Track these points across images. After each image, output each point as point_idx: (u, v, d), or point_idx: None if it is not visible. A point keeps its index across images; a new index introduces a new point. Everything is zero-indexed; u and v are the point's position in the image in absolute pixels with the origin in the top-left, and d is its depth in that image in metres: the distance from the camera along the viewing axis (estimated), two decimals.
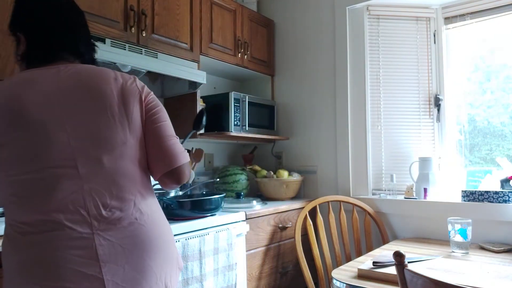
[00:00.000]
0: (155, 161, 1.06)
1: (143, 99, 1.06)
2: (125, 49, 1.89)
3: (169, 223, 1.76)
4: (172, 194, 2.13)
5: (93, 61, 1.14)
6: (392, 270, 1.37)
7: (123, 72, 1.84)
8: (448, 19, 2.48)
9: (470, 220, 1.78)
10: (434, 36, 2.52)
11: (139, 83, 1.10)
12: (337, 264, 2.20)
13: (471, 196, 2.07)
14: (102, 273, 0.89)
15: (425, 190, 2.24)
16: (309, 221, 2.23)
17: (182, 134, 2.40)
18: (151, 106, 1.07)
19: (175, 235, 1.70)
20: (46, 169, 0.90)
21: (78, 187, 0.91)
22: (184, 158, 1.09)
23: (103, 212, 0.93)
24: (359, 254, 2.26)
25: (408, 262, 1.10)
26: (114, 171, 0.96)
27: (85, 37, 1.14)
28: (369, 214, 2.34)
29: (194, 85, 2.32)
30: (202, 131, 2.23)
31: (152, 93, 1.12)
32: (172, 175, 1.07)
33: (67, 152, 0.91)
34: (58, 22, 1.07)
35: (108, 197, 0.94)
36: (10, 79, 0.97)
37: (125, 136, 0.99)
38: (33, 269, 0.88)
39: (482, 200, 2.03)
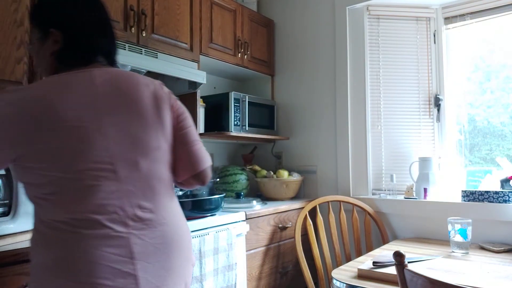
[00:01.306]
0: (183, 164, 1.12)
1: (172, 105, 1.11)
2: (125, 49, 1.89)
3: None
4: None
5: (116, 64, 1.15)
6: (392, 270, 1.37)
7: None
8: (448, 19, 2.48)
9: (470, 220, 1.78)
10: (434, 36, 2.52)
11: (166, 88, 1.14)
12: (337, 264, 2.20)
13: (471, 196, 2.07)
14: (135, 270, 0.93)
15: (425, 190, 2.24)
16: (309, 221, 2.23)
17: None
18: (179, 111, 1.13)
19: None
20: (85, 171, 0.92)
21: (117, 189, 0.95)
22: (209, 161, 1.17)
23: (138, 213, 0.97)
24: (359, 254, 2.26)
25: (408, 262, 1.10)
26: (148, 174, 1.00)
27: (114, 40, 1.14)
28: (369, 214, 2.34)
29: (194, 85, 2.32)
30: (201, 131, 2.22)
31: (177, 98, 1.17)
32: (198, 177, 1.15)
33: (106, 155, 0.94)
34: (97, 24, 1.08)
35: (143, 198, 0.98)
36: (44, 81, 0.95)
37: (159, 141, 1.04)
38: (67, 266, 0.89)
39: (482, 200, 2.03)
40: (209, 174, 1.17)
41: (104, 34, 1.09)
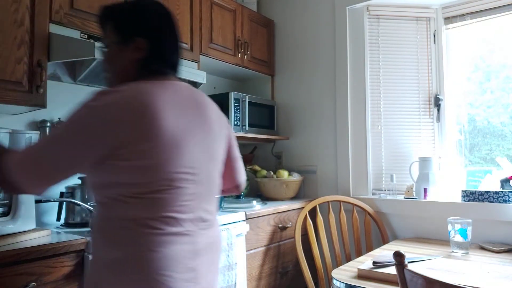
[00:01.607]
0: (229, 176, 1.29)
1: (227, 124, 1.24)
2: None
3: None
4: None
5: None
6: (392, 270, 1.37)
7: None
8: (448, 19, 2.48)
9: (470, 220, 1.78)
10: (434, 36, 2.52)
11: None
12: (337, 264, 2.20)
13: (471, 196, 2.07)
14: (197, 265, 1.02)
15: (425, 190, 2.24)
16: (309, 221, 2.23)
17: None
18: (230, 130, 1.26)
19: None
20: (176, 174, 0.99)
21: (194, 192, 1.03)
22: (245, 174, 1.38)
23: (203, 214, 1.06)
24: (359, 254, 2.26)
25: (408, 262, 1.10)
26: (214, 182, 1.13)
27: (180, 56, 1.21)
28: (369, 214, 2.34)
29: (194, 85, 2.32)
30: None
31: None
32: (238, 186, 1.36)
33: (192, 161, 1.03)
34: (175, 38, 1.14)
35: (207, 202, 1.09)
36: (135, 87, 0.98)
37: (220, 154, 1.17)
38: (147, 261, 0.95)
39: (482, 200, 2.03)
40: (245, 183, 1.39)
41: (178, 49, 1.16)
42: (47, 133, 1.91)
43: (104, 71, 1.11)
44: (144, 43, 1.05)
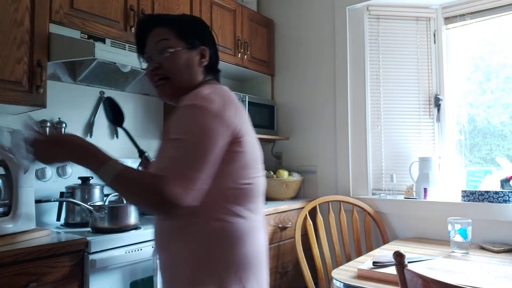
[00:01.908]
0: None
1: None
2: (125, 49, 1.89)
3: None
4: None
5: None
6: (392, 270, 1.37)
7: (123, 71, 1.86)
8: (448, 19, 2.48)
9: (470, 220, 1.78)
10: (434, 36, 2.52)
11: None
12: (337, 264, 2.20)
13: (471, 196, 2.07)
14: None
15: (425, 190, 2.24)
16: (309, 221, 2.23)
17: None
18: None
19: None
20: (260, 172, 1.08)
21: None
22: None
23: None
24: (359, 254, 2.26)
25: (408, 262, 1.09)
26: None
27: None
28: (369, 214, 2.34)
29: None
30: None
31: None
32: None
33: (260, 161, 1.12)
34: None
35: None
36: (223, 87, 1.07)
37: None
38: (260, 257, 1.06)
39: (482, 200, 2.03)
40: None
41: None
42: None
43: (166, 73, 1.07)
44: (207, 52, 1.12)
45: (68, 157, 0.93)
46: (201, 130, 0.92)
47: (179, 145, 0.90)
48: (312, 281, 2.12)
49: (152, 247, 1.45)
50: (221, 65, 2.72)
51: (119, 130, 1.87)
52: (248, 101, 2.52)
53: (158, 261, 1.11)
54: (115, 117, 1.51)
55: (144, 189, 0.88)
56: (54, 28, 1.66)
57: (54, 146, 0.94)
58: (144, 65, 1.15)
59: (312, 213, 2.33)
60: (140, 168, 1.40)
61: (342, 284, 1.45)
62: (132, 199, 1.00)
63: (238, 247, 0.98)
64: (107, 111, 1.49)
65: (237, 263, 0.98)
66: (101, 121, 2.18)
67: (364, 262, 1.64)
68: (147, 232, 1.63)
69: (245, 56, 2.63)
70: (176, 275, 0.99)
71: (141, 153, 1.14)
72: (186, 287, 0.97)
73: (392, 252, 1.09)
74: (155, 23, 1.12)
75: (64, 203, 1.79)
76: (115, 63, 1.84)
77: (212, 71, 1.15)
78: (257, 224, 1.05)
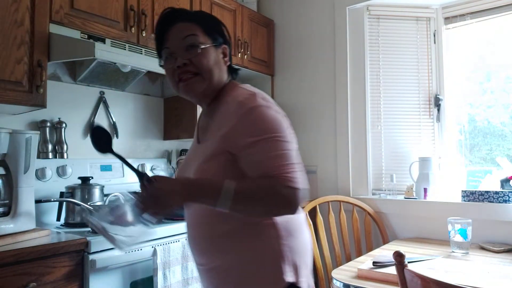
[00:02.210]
0: None
1: None
2: (125, 49, 1.89)
3: (169, 223, 1.77)
4: None
5: None
6: (392, 270, 1.37)
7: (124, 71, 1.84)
8: (448, 19, 2.48)
9: (470, 220, 1.78)
10: (434, 36, 2.52)
11: None
12: (337, 264, 2.20)
13: (471, 196, 2.07)
14: None
15: (425, 190, 2.24)
16: (309, 221, 2.22)
17: (181, 134, 2.41)
18: None
19: (175, 235, 1.70)
20: None
21: None
22: None
23: None
24: (359, 254, 2.26)
25: (408, 262, 1.10)
26: None
27: None
28: (369, 214, 2.34)
29: None
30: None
31: None
32: None
33: None
34: None
35: None
36: (257, 89, 1.06)
37: None
38: (309, 246, 1.08)
39: (482, 200, 2.03)
40: None
41: None
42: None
43: (196, 70, 1.02)
44: (228, 50, 1.10)
45: (184, 199, 0.91)
46: (280, 126, 0.96)
47: (272, 144, 0.93)
48: None
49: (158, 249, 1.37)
50: None
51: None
52: None
53: (201, 268, 1.06)
54: (103, 144, 1.26)
55: (271, 196, 0.90)
56: (54, 28, 1.66)
57: (165, 197, 0.89)
58: (168, 62, 1.08)
59: (312, 213, 2.33)
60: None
61: (342, 284, 1.45)
62: (259, 210, 0.95)
63: (298, 237, 1.02)
64: (94, 141, 1.26)
65: (301, 252, 1.02)
66: (101, 121, 2.18)
67: (364, 262, 1.64)
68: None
69: (245, 56, 2.63)
70: (250, 274, 0.98)
71: (141, 175, 1.03)
72: (268, 282, 0.97)
73: (392, 252, 1.09)
74: (179, 17, 1.06)
75: (64, 203, 1.79)
76: (115, 63, 1.84)
77: (231, 71, 1.13)
78: (303, 215, 1.09)
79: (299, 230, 1.03)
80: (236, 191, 0.88)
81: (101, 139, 1.23)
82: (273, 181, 0.90)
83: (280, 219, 0.99)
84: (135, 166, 1.05)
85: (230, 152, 0.96)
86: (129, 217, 0.90)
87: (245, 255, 0.98)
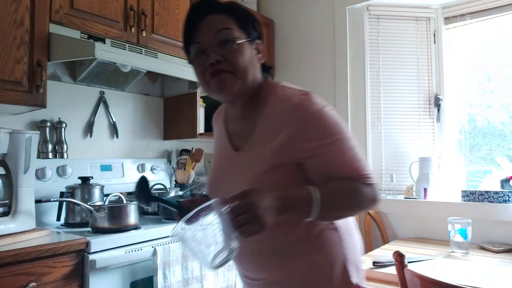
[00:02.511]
0: None
1: None
2: (125, 49, 1.89)
3: (169, 223, 1.77)
4: (172, 194, 2.13)
5: None
6: (392, 270, 1.37)
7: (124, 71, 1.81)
8: (448, 19, 2.47)
9: (470, 220, 1.78)
10: (434, 36, 2.52)
11: None
12: None
13: (471, 196, 2.07)
14: None
15: (425, 190, 2.24)
16: None
17: (181, 134, 2.41)
18: None
19: (175, 235, 1.70)
20: None
21: None
22: None
23: None
24: None
25: (408, 262, 1.10)
26: None
27: None
28: (369, 214, 2.34)
29: (194, 84, 2.32)
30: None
31: None
32: None
33: None
34: None
35: None
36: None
37: None
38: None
39: (482, 200, 2.03)
40: None
41: None
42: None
43: (231, 68, 0.91)
44: (260, 45, 1.00)
45: (277, 215, 0.79)
46: (342, 125, 0.92)
47: (342, 146, 0.90)
48: None
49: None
50: None
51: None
52: None
53: (258, 282, 1.00)
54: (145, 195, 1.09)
55: (358, 198, 0.90)
56: (54, 28, 1.66)
57: (262, 215, 0.75)
58: (198, 59, 0.95)
59: None
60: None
61: None
62: (345, 213, 0.93)
63: (353, 235, 1.01)
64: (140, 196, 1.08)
65: (357, 250, 1.01)
66: (101, 121, 2.18)
67: (364, 262, 1.63)
68: (147, 232, 1.63)
69: None
70: (320, 280, 0.95)
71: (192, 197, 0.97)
72: (338, 286, 0.95)
73: (392, 252, 1.09)
74: (211, 8, 0.95)
75: (64, 203, 1.79)
76: (115, 63, 1.84)
77: (264, 69, 1.02)
78: None
79: (353, 228, 1.02)
80: (322, 198, 0.83)
81: (142, 191, 1.07)
82: (355, 184, 0.90)
83: (340, 222, 0.98)
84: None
85: (292, 159, 0.90)
86: (217, 233, 0.76)
87: (314, 262, 0.95)
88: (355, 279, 0.96)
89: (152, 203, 1.06)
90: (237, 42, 0.92)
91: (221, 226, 0.75)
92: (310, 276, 0.95)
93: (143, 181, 1.05)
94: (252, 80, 0.95)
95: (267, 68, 1.03)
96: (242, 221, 0.74)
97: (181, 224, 0.78)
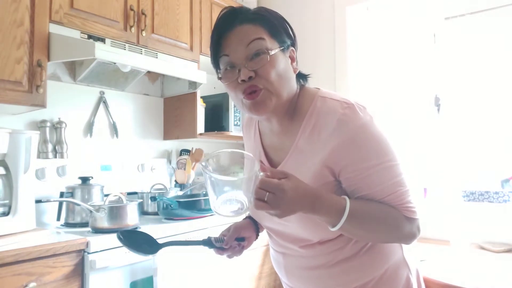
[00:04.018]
0: None
1: None
2: (125, 49, 1.89)
3: (169, 222, 1.77)
4: (172, 194, 2.13)
5: None
6: None
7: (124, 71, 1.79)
8: (448, 19, 2.47)
9: None
10: (434, 36, 2.52)
11: None
12: None
13: (471, 196, 2.07)
14: None
15: (425, 190, 2.24)
16: None
17: (181, 134, 2.41)
18: None
19: (175, 234, 1.70)
20: None
21: None
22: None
23: None
24: None
25: None
26: None
27: None
28: None
29: (194, 85, 2.32)
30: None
31: None
32: None
33: None
34: None
35: None
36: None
37: None
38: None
39: (482, 200, 2.03)
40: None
41: None
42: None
43: (264, 84, 0.84)
44: (295, 53, 0.93)
45: (304, 211, 0.77)
46: (389, 146, 0.88)
47: (388, 170, 0.85)
48: None
49: None
50: None
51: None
52: None
53: None
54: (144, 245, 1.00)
55: (393, 227, 0.84)
56: (54, 28, 1.66)
57: (292, 203, 0.74)
58: (228, 75, 0.87)
59: None
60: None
61: None
62: (373, 236, 0.87)
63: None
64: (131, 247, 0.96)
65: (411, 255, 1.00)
66: (101, 121, 2.18)
67: None
68: (147, 232, 1.63)
69: None
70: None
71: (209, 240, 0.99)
72: None
73: None
74: (240, 18, 0.87)
75: (64, 203, 1.79)
76: (115, 63, 1.84)
77: (299, 77, 0.95)
78: None
79: None
80: (353, 213, 0.79)
81: (137, 242, 0.97)
82: (395, 212, 0.84)
83: None
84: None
85: (334, 177, 0.86)
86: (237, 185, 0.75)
87: (379, 271, 0.90)
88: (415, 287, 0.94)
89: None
90: (270, 53, 0.84)
91: (245, 181, 0.74)
92: (377, 285, 0.90)
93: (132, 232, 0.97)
94: (288, 93, 0.88)
95: (303, 76, 0.97)
96: (263, 198, 0.72)
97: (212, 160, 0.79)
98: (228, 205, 0.77)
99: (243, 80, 0.83)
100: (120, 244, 0.89)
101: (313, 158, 0.86)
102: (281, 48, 0.87)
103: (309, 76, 0.98)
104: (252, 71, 0.83)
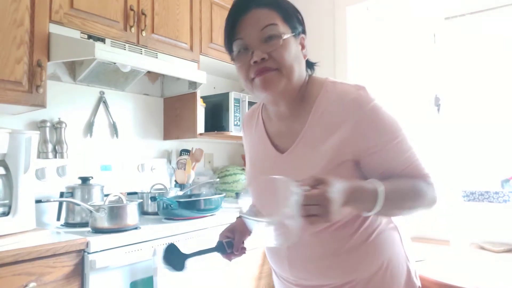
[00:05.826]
0: None
1: None
2: (125, 49, 1.89)
3: (169, 223, 1.77)
4: (172, 194, 2.13)
5: None
6: None
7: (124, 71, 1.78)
8: (448, 19, 2.47)
9: None
10: (434, 36, 2.52)
11: None
12: None
13: (471, 196, 2.07)
14: None
15: None
16: None
17: (181, 134, 2.41)
18: None
19: (175, 235, 1.70)
20: None
21: None
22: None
23: None
24: None
25: None
26: None
27: None
28: None
29: (194, 85, 2.32)
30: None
31: None
32: None
33: None
34: None
35: None
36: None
37: None
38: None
39: (482, 200, 2.03)
40: None
41: None
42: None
43: (277, 66, 0.87)
44: (305, 40, 0.96)
45: (343, 205, 0.75)
46: (399, 123, 0.90)
47: (402, 144, 0.89)
48: None
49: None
50: (222, 65, 2.72)
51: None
52: (248, 101, 2.52)
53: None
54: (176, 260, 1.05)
55: (422, 197, 0.87)
56: (54, 28, 1.66)
57: (333, 206, 0.71)
58: (242, 57, 0.91)
59: None
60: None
61: None
62: (406, 211, 0.89)
63: (407, 233, 1.00)
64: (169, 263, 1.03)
65: (411, 249, 1.00)
66: (101, 121, 2.18)
67: None
68: (147, 232, 1.63)
69: None
70: (386, 283, 0.92)
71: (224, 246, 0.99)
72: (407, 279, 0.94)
73: None
74: (255, 2, 0.90)
75: (64, 203, 1.79)
76: (115, 63, 1.83)
77: (308, 65, 0.98)
78: None
79: (404, 226, 1.01)
80: (387, 194, 0.80)
81: (172, 255, 1.02)
82: (418, 182, 0.88)
83: (399, 220, 0.96)
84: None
85: (351, 157, 0.87)
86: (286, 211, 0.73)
87: (377, 265, 0.91)
88: (416, 281, 0.94)
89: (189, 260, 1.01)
90: (283, 37, 0.87)
91: (289, 202, 0.71)
92: (377, 277, 0.91)
93: (171, 248, 1.00)
94: (298, 78, 0.91)
95: (311, 64, 1.00)
96: (313, 212, 0.70)
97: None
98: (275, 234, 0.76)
99: (255, 62, 0.86)
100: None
101: (326, 140, 0.87)
102: (293, 34, 0.90)
103: (316, 64, 1.02)
104: (265, 53, 0.86)
